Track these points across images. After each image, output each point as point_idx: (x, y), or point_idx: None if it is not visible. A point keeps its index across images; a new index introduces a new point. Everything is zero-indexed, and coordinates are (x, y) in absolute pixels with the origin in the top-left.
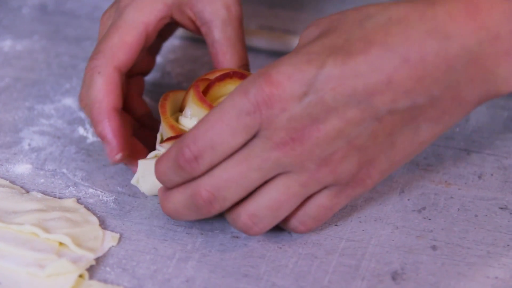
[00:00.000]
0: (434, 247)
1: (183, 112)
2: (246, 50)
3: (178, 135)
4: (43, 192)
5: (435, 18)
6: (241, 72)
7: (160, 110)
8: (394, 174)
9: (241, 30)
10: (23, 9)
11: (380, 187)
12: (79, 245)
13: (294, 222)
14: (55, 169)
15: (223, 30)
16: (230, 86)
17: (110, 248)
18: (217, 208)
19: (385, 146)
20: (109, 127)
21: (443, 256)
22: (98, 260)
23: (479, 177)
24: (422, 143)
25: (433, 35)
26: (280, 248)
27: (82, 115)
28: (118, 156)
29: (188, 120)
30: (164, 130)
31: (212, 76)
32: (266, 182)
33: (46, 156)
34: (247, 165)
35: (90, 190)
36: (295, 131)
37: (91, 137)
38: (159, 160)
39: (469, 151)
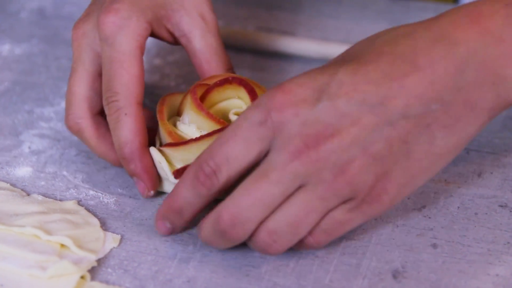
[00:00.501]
0: (434, 245)
1: (181, 118)
2: (228, 55)
3: (177, 142)
4: (44, 195)
5: (440, 28)
6: (240, 78)
7: (158, 116)
8: None
9: (220, 37)
10: (21, 13)
11: None
12: (80, 246)
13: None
14: (56, 172)
15: (203, 39)
16: (229, 92)
17: (111, 250)
18: (241, 231)
19: (401, 155)
20: (141, 166)
21: (444, 254)
22: (99, 261)
23: (479, 175)
24: (438, 155)
25: (440, 41)
26: None
27: None
28: (151, 193)
29: (186, 127)
30: (162, 136)
31: (210, 82)
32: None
33: (46, 158)
34: (266, 180)
35: (91, 192)
36: (308, 137)
37: None
38: (176, 188)
39: (468, 149)
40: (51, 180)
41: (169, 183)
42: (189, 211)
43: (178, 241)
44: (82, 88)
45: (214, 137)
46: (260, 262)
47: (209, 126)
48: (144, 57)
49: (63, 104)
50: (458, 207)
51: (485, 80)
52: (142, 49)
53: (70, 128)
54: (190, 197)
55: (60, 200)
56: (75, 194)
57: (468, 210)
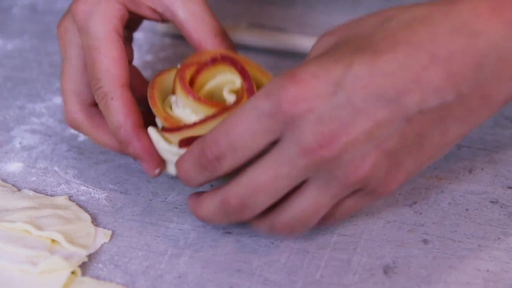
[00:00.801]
0: (425, 241)
1: (176, 101)
2: (217, 20)
3: (173, 128)
4: (35, 190)
5: (460, 16)
6: (231, 57)
7: (150, 102)
8: None
9: (206, 5)
10: (13, 9)
11: None
12: (71, 242)
13: None
14: (47, 167)
15: (186, 8)
16: (220, 69)
17: (102, 245)
18: (248, 215)
19: (414, 148)
20: (140, 146)
21: (435, 249)
22: (90, 256)
23: (470, 171)
24: (448, 144)
25: (460, 32)
26: (272, 243)
27: None
28: (157, 171)
29: (181, 111)
30: (159, 120)
31: (200, 58)
32: (295, 188)
33: (37, 154)
34: (275, 173)
35: (82, 187)
36: (323, 136)
37: (82, 135)
38: (180, 160)
39: (460, 145)
40: (42, 175)
41: (173, 166)
42: (195, 183)
43: (169, 236)
44: (71, 83)
45: (210, 122)
46: (251, 257)
47: (203, 109)
48: (135, 54)
49: (54, 100)
50: (449, 203)
51: (502, 74)
52: (118, 30)
53: (69, 124)
54: (193, 173)
55: (51, 195)
56: (66, 189)
57: (459, 206)
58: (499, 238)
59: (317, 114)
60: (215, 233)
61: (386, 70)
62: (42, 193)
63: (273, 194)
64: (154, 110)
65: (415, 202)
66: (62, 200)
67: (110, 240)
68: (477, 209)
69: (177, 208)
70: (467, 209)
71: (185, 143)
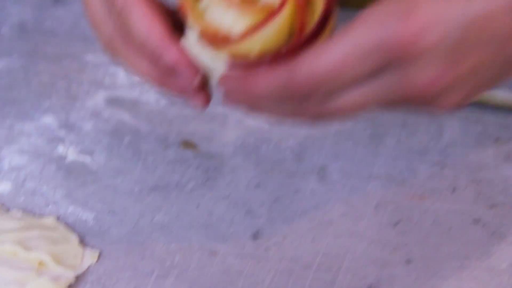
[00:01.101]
0: (408, 261)
1: (210, 6)
2: None
3: (221, 39)
4: (23, 210)
5: None
6: None
7: (182, 9)
8: (369, 188)
9: None
10: (2, 28)
11: (355, 202)
12: (59, 263)
13: None
14: (35, 188)
15: None
16: None
17: (89, 266)
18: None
19: (495, 80)
20: (174, 53)
21: (417, 269)
22: (77, 278)
23: (453, 190)
24: None
25: None
26: (257, 264)
27: (61, 133)
28: (197, 78)
29: (222, 15)
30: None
31: None
32: None
33: (26, 174)
34: (365, 97)
35: (70, 208)
36: (429, 78)
37: (70, 156)
38: (255, 82)
39: (443, 165)
40: (30, 195)
41: (215, 77)
42: (263, 107)
43: (156, 257)
44: (98, 15)
45: (261, 31)
46: (237, 278)
47: (248, 14)
48: None
49: (43, 120)
50: (432, 222)
51: None
52: None
53: (114, 8)
54: (270, 100)
55: (40, 215)
56: (54, 210)
57: (442, 226)
58: (481, 258)
59: (427, 57)
60: (201, 254)
61: (503, 10)
62: (31, 213)
63: (348, 109)
64: (192, 17)
65: (398, 222)
66: (50, 221)
67: (97, 261)
68: (460, 229)
69: (164, 228)
70: (450, 229)
71: (237, 66)
